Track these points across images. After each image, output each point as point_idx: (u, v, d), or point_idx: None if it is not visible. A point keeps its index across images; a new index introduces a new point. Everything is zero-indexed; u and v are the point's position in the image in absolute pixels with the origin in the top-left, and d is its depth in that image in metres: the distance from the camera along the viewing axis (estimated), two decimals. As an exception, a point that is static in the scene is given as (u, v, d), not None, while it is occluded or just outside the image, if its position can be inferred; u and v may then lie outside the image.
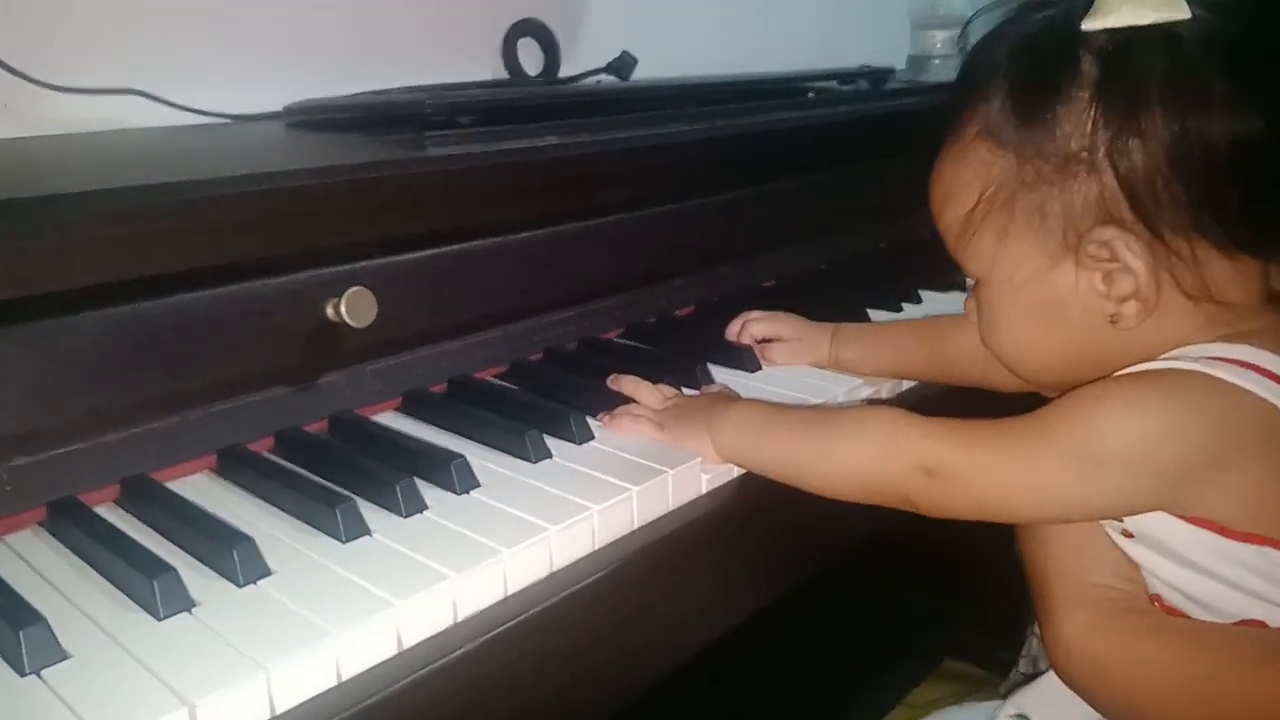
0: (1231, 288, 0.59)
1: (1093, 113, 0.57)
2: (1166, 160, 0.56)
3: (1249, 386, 0.55)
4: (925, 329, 0.87)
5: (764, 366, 0.88)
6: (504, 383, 0.85)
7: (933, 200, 0.66)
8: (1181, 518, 0.58)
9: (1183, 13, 0.56)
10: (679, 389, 0.82)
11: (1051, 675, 0.68)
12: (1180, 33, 0.56)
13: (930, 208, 0.67)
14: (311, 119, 0.99)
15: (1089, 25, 0.57)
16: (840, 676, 1.31)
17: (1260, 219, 0.57)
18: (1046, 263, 0.61)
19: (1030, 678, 0.78)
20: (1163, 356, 0.59)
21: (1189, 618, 0.62)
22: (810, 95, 1.24)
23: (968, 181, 0.63)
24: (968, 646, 1.33)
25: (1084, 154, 0.58)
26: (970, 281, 0.68)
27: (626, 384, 0.80)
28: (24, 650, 0.48)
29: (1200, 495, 0.57)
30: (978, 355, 0.70)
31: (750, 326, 0.91)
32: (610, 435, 0.75)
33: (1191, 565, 0.60)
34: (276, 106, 1.01)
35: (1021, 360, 0.67)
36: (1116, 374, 0.60)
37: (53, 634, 0.49)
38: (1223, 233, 0.57)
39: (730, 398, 0.76)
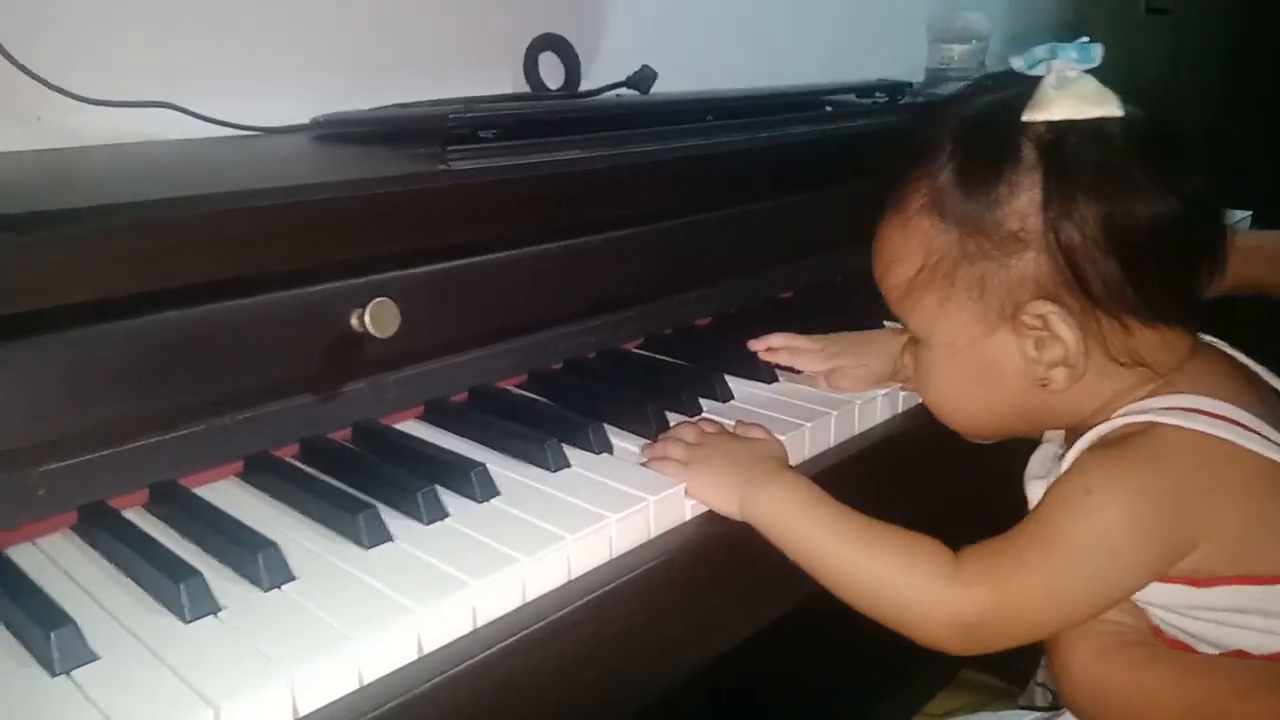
0: (1158, 351, 0.64)
1: (1031, 196, 0.62)
2: (1097, 240, 0.61)
3: (1202, 429, 0.60)
4: None
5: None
6: (524, 392, 0.86)
7: (876, 262, 0.70)
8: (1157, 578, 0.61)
9: (1115, 110, 0.61)
10: (694, 399, 0.82)
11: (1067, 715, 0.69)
12: (1108, 127, 0.61)
13: (873, 270, 0.71)
14: (337, 132, 1.00)
15: (1030, 116, 0.62)
16: (855, 687, 1.31)
17: (1179, 291, 0.63)
18: (984, 329, 0.65)
19: (1051, 692, 0.78)
20: (1116, 414, 0.63)
21: (1191, 649, 0.64)
22: (828, 109, 1.25)
23: (911, 250, 0.67)
24: (985, 656, 1.33)
25: (1022, 233, 0.62)
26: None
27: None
28: (55, 651, 0.49)
29: (1189, 544, 0.60)
30: None
31: (777, 355, 0.90)
32: (627, 447, 0.75)
33: (1175, 611, 0.63)
34: (304, 119, 1.03)
35: (955, 415, 0.71)
36: (1082, 449, 0.63)
37: (82, 636, 0.51)
38: (1147, 305, 0.62)
39: (772, 456, 0.72)
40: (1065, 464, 0.64)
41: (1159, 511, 0.59)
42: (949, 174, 0.64)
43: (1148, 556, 0.60)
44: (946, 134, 0.65)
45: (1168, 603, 0.63)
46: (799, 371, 0.89)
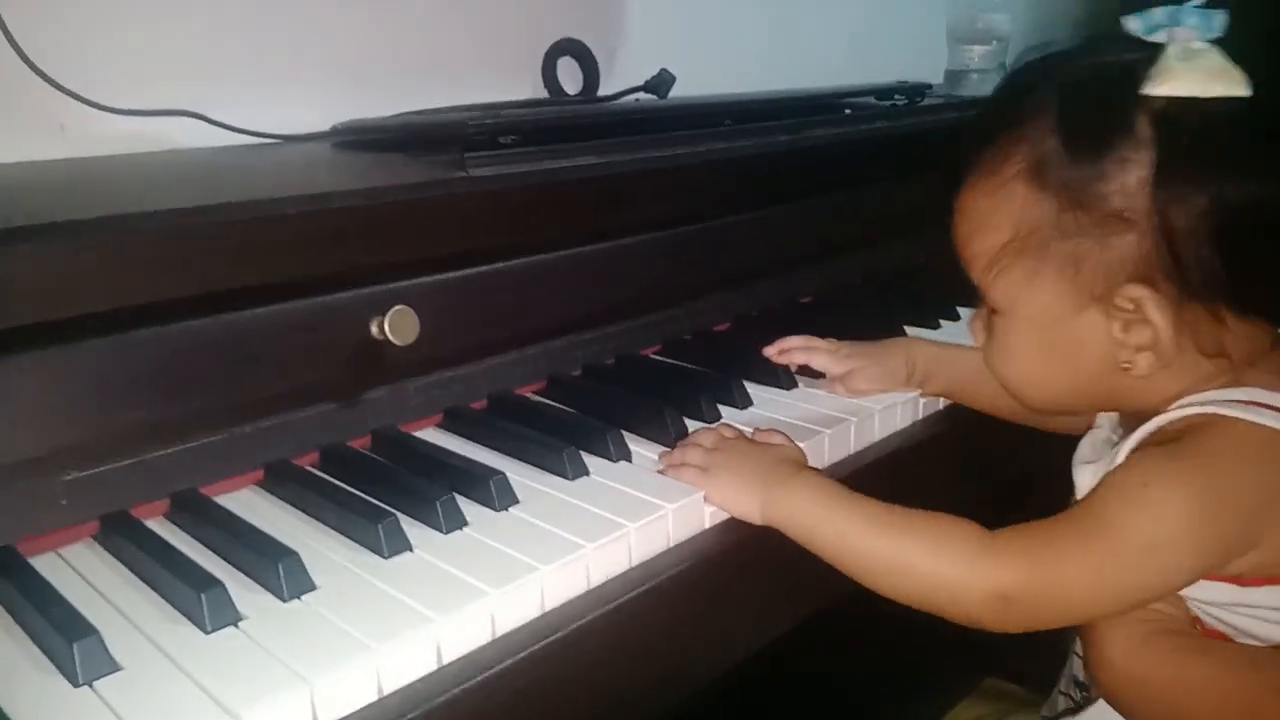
0: (1245, 344, 0.61)
1: (1141, 174, 0.58)
2: (1207, 227, 0.57)
3: (1267, 423, 0.58)
4: None
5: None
6: (543, 399, 0.86)
7: (958, 228, 0.67)
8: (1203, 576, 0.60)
9: (1242, 89, 0.57)
10: (713, 406, 0.82)
11: (1100, 705, 0.68)
12: (1233, 108, 0.57)
13: (954, 235, 0.68)
14: (357, 139, 1.01)
15: (1151, 90, 0.58)
16: (877, 694, 1.30)
17: None
18: (1071, 308, 0.62)
19: (1074, 701, 0.78)
20: (1174, 405, 0.61)
21: (1229, 639, 0.63)
22: (847, 111, 1.25)
23: (1002, 219, 0.63)
24: (1007, 664, 1.32)
25: (1127, 213, 0.59)
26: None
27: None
28: (77, 662, 0.50)
29: (1249, 545, 0.59)
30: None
31: (791, 355, 0.89)
32: (646, 454, 0.75)
33: (1218, 605, 0.62)
34: (324, 126, 1.03)
35: (1027, 390, 0.69)
36: (1140, 439, 0.62)
37: (105, 646, 0.51)
38: (1247, 297, 0.59)
39: (791, 459, 0.72)
40: (1122, 454, 0.62)
41: (1217, 514, 0.57)
42: (1054, 141, 0.61)
43: (1199, 557, 0.58)
44: (1052, 97, 0.61)
45: (1211, 599, 0.62)
46: (819, 376, 0.88)
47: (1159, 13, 0.59)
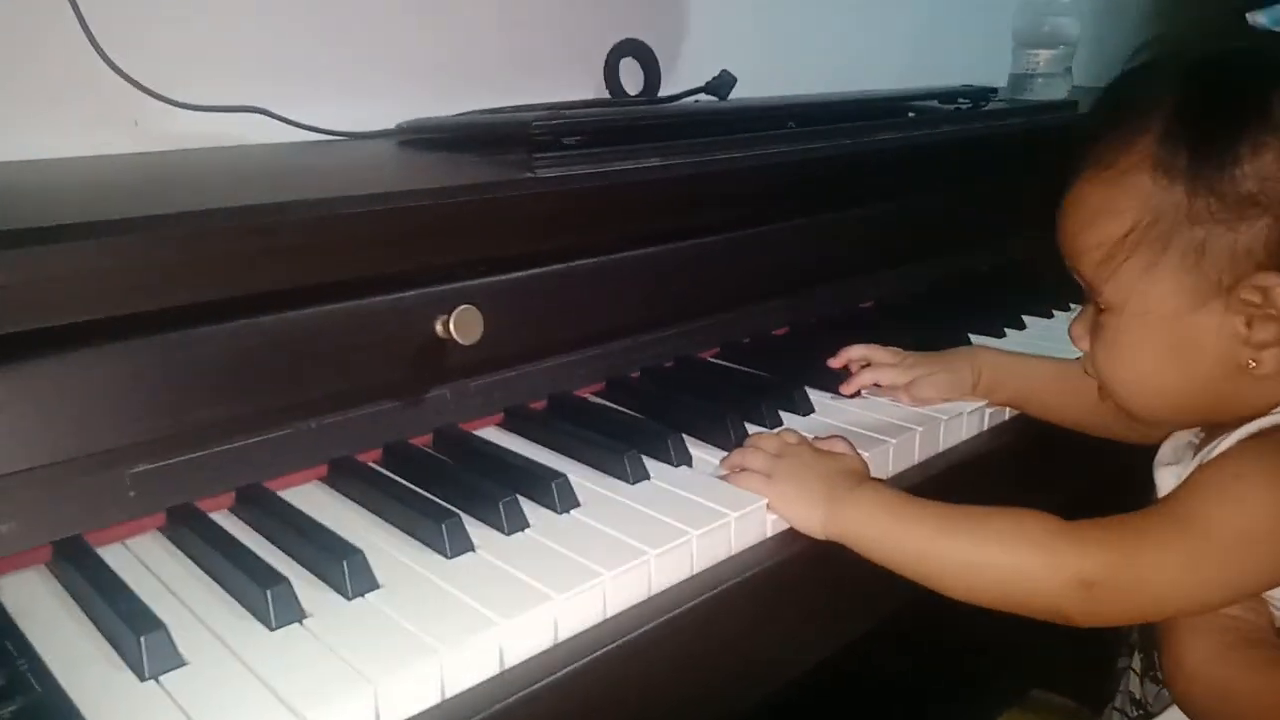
0: None
1: (1278, 156, 0.56)
2: None
3: None
4: (1073, 375, 0.81)
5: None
6: (602, 400, 0.86)
7: (1069, 221, 0.65)
8: None
9: None
10: (774, 411, 0.81)
11: (1173, 712, 0.66)
12: None
13: (1063, 227, 0.65)
14: (422, 137, 1.01)
15: None
16: (925, 704, 1.28)
17: None
18: (1191, 302, 0.60)
19: None
20: (1277, 409, 0.59)
21: None
22: (911, 115, 1.23)
23: (1122, 208, 0.61)
24: (1056, 677, 1.30)
25: (1261, 196, 0.57)
26: (1077, 307, 0.66)
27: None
28: (145, 656, 0.50)
29: None
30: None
31: (859, 376, 0.87)
32: (706, 458, 0.74)
33: None
34: (389, 124, 1.03)
35: (1136, 394, 0.65)
36: (1240, 438, 0.59)
37: (171, 641, 0.51)
38: None
39: (854, 470, 0.70)
40: (1219, 450, 0.60)
41: None
42: (1181, 127, 0.59)
43: None
44: (1177, 87, 0.60)
45: None
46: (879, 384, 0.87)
47: None
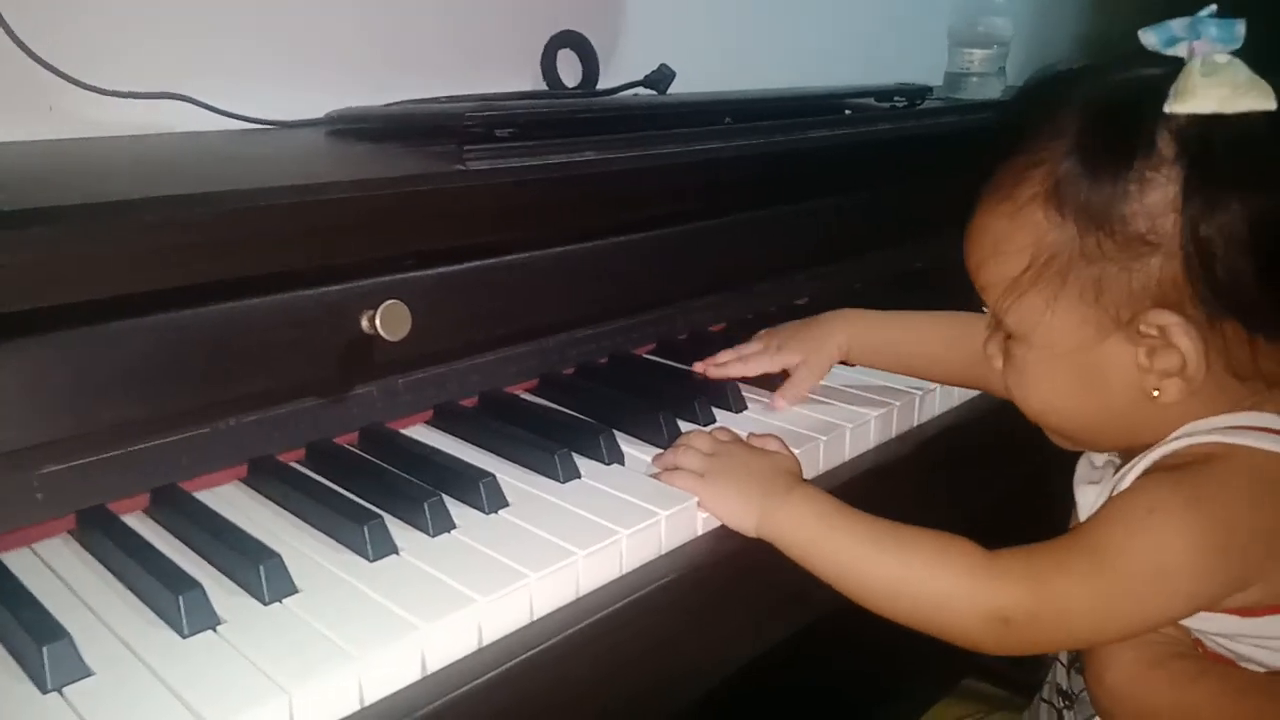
0: (1274, 366, 0.59)
1: (1166, 194, 0.56)
2: (1238, 247, 0.55)
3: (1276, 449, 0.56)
4: (951, 330, 0.83)
5: (795, 405, 0.84)
6: (535, 398, 0.85)
7: (971, 253, 0.65)
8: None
9: (1269, 103, 0.55)
10: (708, 408, 0.81)
11: None
12: (1260, 122, 0.55)
13: (966, 254, 0.65)
14: (351, 127, 0.99)
15: (1174, 108, 0.55)
16: (857, 696, 1.30)
17: None
18: (1094, 334, 0.60)
19: (1057, 710, 0.77)
20: (1181, 431, 0.60)
21: (1233, 664, 0.62)
22: (847, 112, 1.23)
23: (1019, 244, 0.60)
24: (987, 665, 1.32)
25: (1151, 235, 0.56)
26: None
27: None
28: (47, 667, 0.48)
29: (1256, 576, 0.57)
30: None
31: (728, 369, 0.87)
32: (638, 456, 0.74)
33: (1223, 635, 0.61)
34: (318, 113, 1.01)
35: (1049, 418, 0.66)
36: (1146, 466, 0.60)
37: (76, 650, 0.49)
38: None
39: (788, 470, 0.70)
40: (1127, 480, 0.60)
41: (1223, 546, 0.56)
42: (1073, 163, 0.58)
43: (1201, 588, 0.57)
44: (1070, 117, 0.59)
45: (1213, 630, 0.61)
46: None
47: (1176, 24, 0.57)
